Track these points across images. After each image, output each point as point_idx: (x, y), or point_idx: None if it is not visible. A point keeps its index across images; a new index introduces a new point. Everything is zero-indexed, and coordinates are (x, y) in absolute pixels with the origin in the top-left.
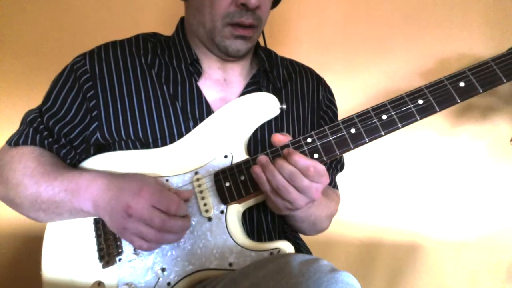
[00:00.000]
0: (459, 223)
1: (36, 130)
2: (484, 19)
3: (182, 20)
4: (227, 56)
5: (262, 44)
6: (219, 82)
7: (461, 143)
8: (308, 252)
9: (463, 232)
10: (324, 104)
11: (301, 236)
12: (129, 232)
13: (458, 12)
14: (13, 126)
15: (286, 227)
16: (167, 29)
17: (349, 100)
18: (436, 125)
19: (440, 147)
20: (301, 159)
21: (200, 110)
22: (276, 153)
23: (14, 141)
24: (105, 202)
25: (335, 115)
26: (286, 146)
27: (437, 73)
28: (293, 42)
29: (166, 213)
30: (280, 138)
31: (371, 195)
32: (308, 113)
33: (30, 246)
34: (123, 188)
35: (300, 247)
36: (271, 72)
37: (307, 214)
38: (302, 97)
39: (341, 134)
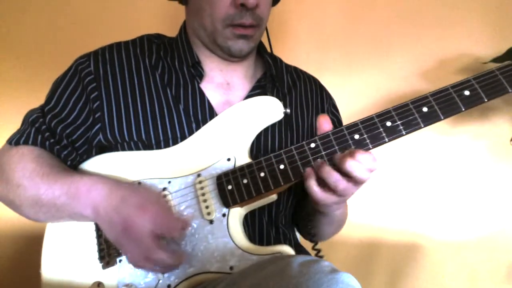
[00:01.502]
0: (459, 223)
1: (38, 131)
2: (484, 19)
3: (185, 22)
4: (230, 57)
5: (267, 48)
6: (222, 85)
7: (461, 143)
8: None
9: (463, 232)
10: (330, 113)
11: (301, 241)
12: (122, 246)
13: (458, 12)
14: (13, 126)
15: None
16: (168, 30)
17: (348, 100)
18: (436, 125)
19: (440, 147)
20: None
21: (203, 112)
22: (279, 158)
23: (15, 141)
24: (105, 211)
25: (340, 123)
26: (289, 150)
27: (437, 73)
28: (293, 41)
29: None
30: (326, 126)
31: (371, 195)
32: (312, 120)
33: (30, 246)
34: (126, 201)
35: (302, 251)
36: (277, 77)
37: (338, 213)
38: (307, 105)
39: (345, 139)
